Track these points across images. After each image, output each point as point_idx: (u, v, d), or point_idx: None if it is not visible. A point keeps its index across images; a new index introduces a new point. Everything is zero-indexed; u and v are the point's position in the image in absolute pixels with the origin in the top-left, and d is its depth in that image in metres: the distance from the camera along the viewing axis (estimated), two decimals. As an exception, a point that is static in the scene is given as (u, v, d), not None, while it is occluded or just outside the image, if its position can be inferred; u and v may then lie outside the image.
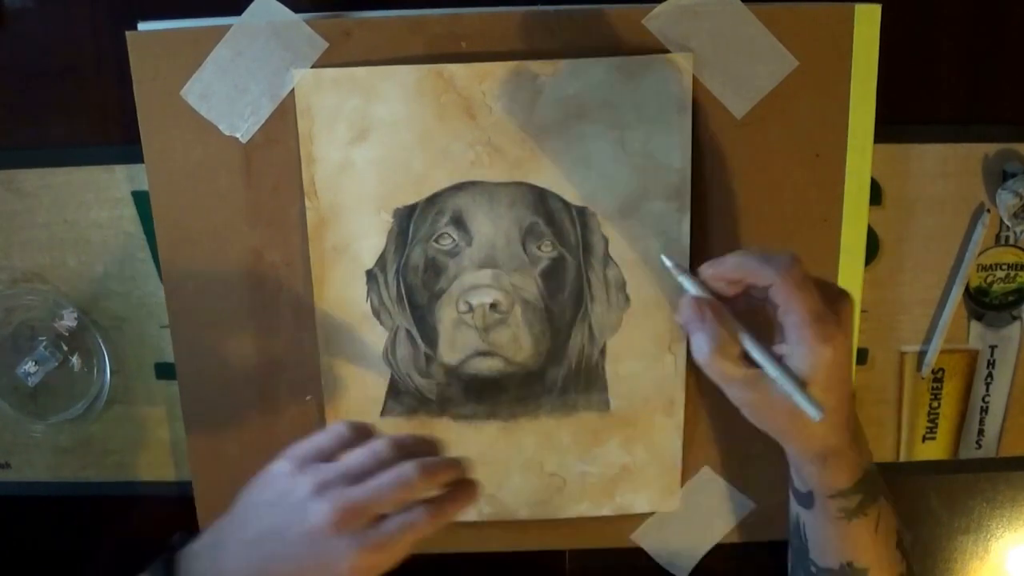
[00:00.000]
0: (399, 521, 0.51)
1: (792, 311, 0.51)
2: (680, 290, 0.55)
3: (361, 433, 0.55)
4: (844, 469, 0.57)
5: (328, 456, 0.54)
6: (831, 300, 0.52)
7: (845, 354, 0.52)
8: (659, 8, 0.62)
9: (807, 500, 0.60)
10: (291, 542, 0.51)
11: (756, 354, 0.52)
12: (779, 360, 0.52)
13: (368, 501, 0.50)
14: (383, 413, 0.68)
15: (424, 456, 0.53)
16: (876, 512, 0.59)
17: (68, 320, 0.70)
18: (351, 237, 0.65)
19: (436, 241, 0.65)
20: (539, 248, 0.65)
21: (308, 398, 0.69)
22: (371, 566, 0.51)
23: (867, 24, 0.63)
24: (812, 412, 0.50)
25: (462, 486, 0.54)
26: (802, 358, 0.51)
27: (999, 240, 0.71)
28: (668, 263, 0.56)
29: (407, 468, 0.51)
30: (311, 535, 0.50)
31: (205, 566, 0.54)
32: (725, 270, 0.53)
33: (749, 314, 0.54)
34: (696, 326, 0.53)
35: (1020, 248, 0.71)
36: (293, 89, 0.63)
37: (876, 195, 0.68)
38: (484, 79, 0.62)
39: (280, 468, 0.54)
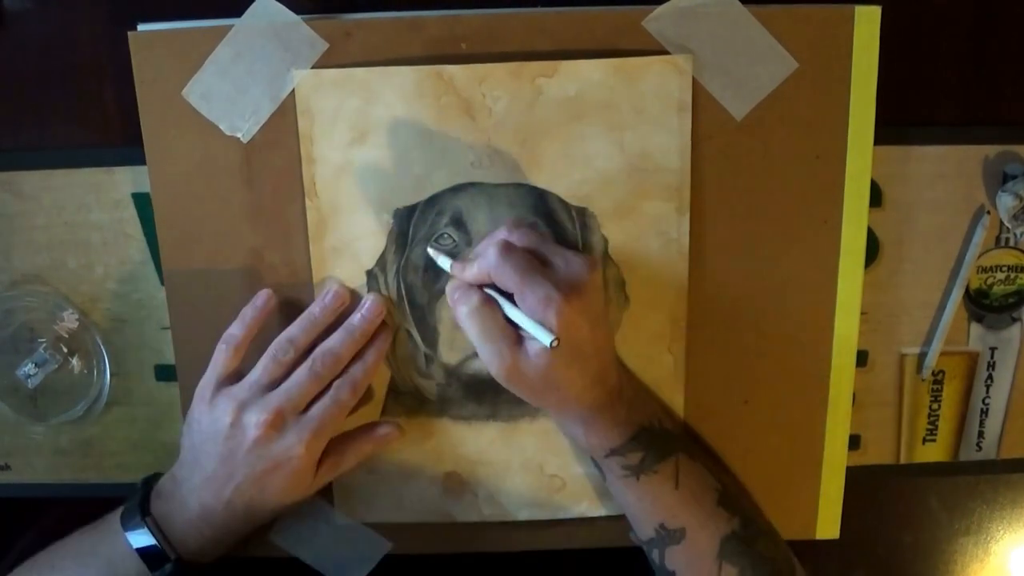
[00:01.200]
0: (322, 401, 0.61)
1: (515, 295, 0.56)
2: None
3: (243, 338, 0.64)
4: (610, 427, 0.60)
5: (232, 379, 0.62)
6: (568, 271, 0.56)
7: (584, 321, 0.56)
8: (659, 10, 0.62)
9: (599, 469, 0.62)
10: (242, 461, 0.60)
11: (500, 299, 0.57)
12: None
13: (286, 399, 0.60)
14: (383, 414, 0.68)
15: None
16: (671, 468, 0.60)
17: (68, 322, 0.71)
18: (351, 237, 0.65)
19: (436, 242, 0.65)
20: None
21: (308, 399, 0.69)
22: (317, 450, 0.61)
23: (867, 26, 0.63)
24: (544, 338, 0.53)
25: (374, 340, 0.64)
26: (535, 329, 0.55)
27: (999, 242, 0.71)
28: (431, 251, 0.64)
29: (310, 362, 0.61)
30: (255, 446, 0.59)
31: (174, 507, 0.61)
32: (469, 276, 0.59)
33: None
34: (460, 293, 0.58)
35: (1020, 250, 0.71)
36: (293, 90, 0.63)
37: (876, 197, 0.68)
38: (484, 80, 0.63)
39: (199, 406, 0.62)
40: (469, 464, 0.69)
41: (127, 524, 0.61)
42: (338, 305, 0.64)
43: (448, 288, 0.61)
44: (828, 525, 0.72)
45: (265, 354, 0.62)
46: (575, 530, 0.72)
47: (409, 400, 0.68)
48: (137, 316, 0.71)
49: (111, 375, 0.72)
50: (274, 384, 0.61)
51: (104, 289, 0.71)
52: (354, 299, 0.65)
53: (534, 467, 0.69)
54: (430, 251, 0.64)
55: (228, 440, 0.60)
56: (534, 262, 0.57)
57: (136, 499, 0.62)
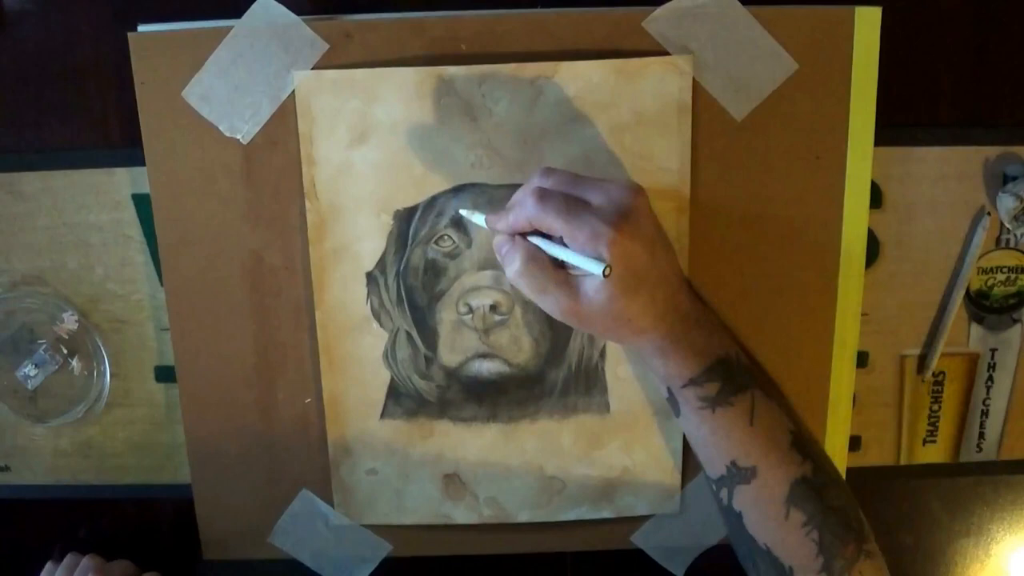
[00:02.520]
0: None
1: (563, 237, 0.54)
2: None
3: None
4: (688, 356, 0.58)
5: None
6: (611, 202, 0.54)
7: (639, 247, 0.54)
8: (659, 10, 0.62)
9: (674, 404, 0.60)
10: None
11: (542, 242, 0.55)
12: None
13: None
14: (383, 415, 0.68)
15: None
16: (747, 403, 0.59)
17: (68, 323, 0.70)
18: (351, 239, 0.65)
19: (436, 243, 0.65)
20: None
21: (308, 401, 0.69)
22: None
23: (867, 27, 0.63)
24: (595, 269, 0.52)
25: None
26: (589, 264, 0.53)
27: (999, 243, 0.71)
28: (464, 213, 0.62)
29: None
30: None
31: None
32: (507, 227, 0.57)
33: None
34: (507, 248, 0.56)
35: (1020, 251, 0.71)
36: (293, 91, 0.63)
37: (876, 198, 0.68)
38: (484, 81, 0.63)
39: None
40: (469, 466, 0.69)
41: None
42: None
43: (495, 244, 0.58)
44: (828, 526, 0.71)
45: None
46: (575, 532, 0.71)
47: (409, 402, 0.68)
48: (137, 317, 0.71)
49: (111, 376, 0.72)
50: None
51: (104, 290, 0.71)
52: None
53: (534, 469, 0.69)
54: (463, 212, 0.62)
55: None
56: (574, 202, 0.54)
57: None
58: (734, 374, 0.59)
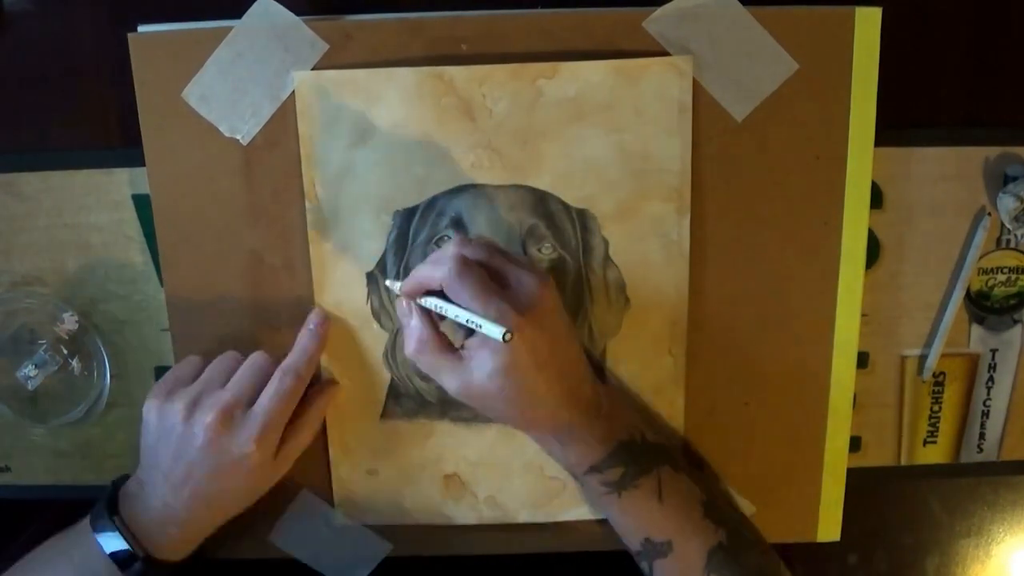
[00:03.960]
0: (266, 393, 0.61)
1: (467, 306, 0.55)
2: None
3: (206, 359, 0.64)
4: (588, 444, 0.59)
5: (185, 381, 0.62)
6: (522, 290, 0.56)
7: (543, 339, 0.55)
8: (659, 11, 0.62)
9: (580, 486, 0.62)
10: (198, 462, 0.59)
11: (446, 306, 0.56)
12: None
13: (233, 396, 0.60)
14: (383, 416, 0.68)
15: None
16: (653, 483, 0.60)
17: (68, 323, 0.70)
18: (351, 239, 0.65)
19: (436, 243, 0.65)
20: (539, 250, 0.65)
21: (308, 401, 0.69)
22: (270, 444, 0.61)
23: (868, 27, 0.63)
24: (496, 333, 0.52)
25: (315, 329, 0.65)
26: (491, 347, 0.54)
27: (1000, 244, 0.70)
28: (388, 283, 0.64)
29: (253, 358, 0.62)
30: (208, 447, 0.59)
31: (139, 507, 0.62)
32: (410, 288, 0.58)
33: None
34: (405, 321, 0.59)
35: (1021, 252, 0.71)
36: (293, 91, 0.63)
37: (877, 198, 0.68)
38: (484, 81, 0.62)
39: (150, 407, 0.62)
40: (469, 466, 0.69)
41: (96, 525, 0.61)
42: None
43: (397, 308, 0.61)
44: (829, 527, 0.71)
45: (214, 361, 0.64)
46: (575, 533, 0.71)
47: (409, 402, 0.68)
48: (137, 318, 0.71)
49: (111, 377, 0.72)
50: (224, 382, 0.62)
51: (104, 291, 0.71)
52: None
53: (534, 469, 0.69)
54: (387, 283, 0.64)
55: (181, 441, 0.60)
56: (489, 281, 0.56)
57: (104, 501, 0.62)
58: (638, 456, 0.60)
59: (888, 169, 0.68)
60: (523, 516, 0.70)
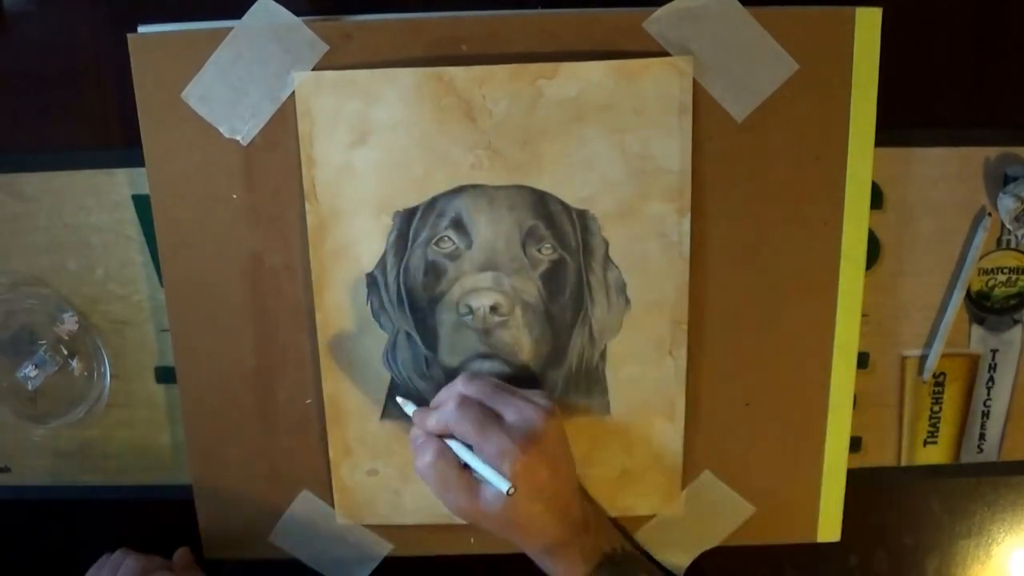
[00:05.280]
0: None
1: (473, 447, 0.58)
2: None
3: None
4: (576, 557, 0.62)
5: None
6: (523, 421, 0.58)
7: (542, 467, 0.58)
8: (659, 11, 0.62)
9: None
10: None
11: (456, 446, 0.59)
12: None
13: None
14: (383, 416, 0.68)
15: None
16: None
17: (68, 324, 0.70)
18: (351, 240, 0.65)
19: (436, 244, 0.65)
20: (539, 251, 0.65)
21: (308, 401, 0.69)
22: None
23: (868, 27, 0.63)
24: (502, 486, 0.56)
25: None
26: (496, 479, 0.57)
27: (1000, 244, 0.70)
28: (400, 401, 0.65)
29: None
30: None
31: None
32: (428, 427, 0.61)
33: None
34: (420, 441, 0.61)
35: (1021, 252, 0.71)
36: (293, 92, 0.63)
37: (877, 199, 0.68)
38: (484, 82, 0.62)
39: None
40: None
41: None
42: None
43: (410, 436, 0.62)
44: (829, 527, 0.72)
45: None
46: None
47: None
48: (137, 318, 0.71)
49: (111, 377, 0.72)
50: None
51: (104, 291, 0.71)
52: None
53: (534, 469, 0.69)
54: (399, 400, 0.66)
55: None
56: (489, 416, 0.59)
57: None
58: (619, 568, 0.64)
59: (888, 169, 0.68)
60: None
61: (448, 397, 0.61)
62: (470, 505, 0.58)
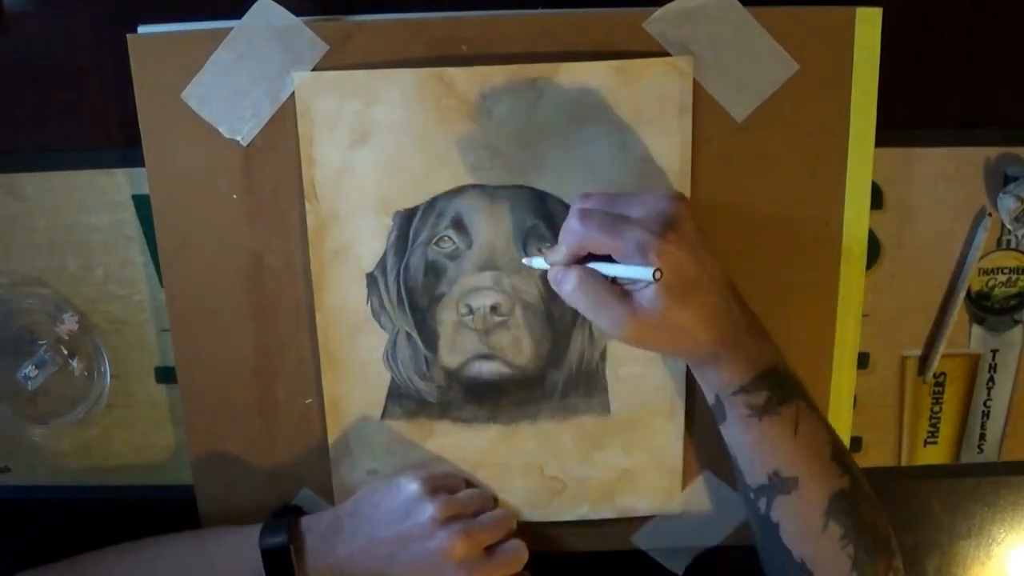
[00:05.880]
0: (503, 556, 0.65)
1: (611, 252, 0.55)
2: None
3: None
4: (740, 363, 0.58)
5: (450, 490, 0.66)
6: (652, 212, 0.55)
7: (686, 252, 0.54)
8: (659, 11, 0.62)
9: (720, 411, 0.60)
10: (414, 553, 0.62)
11: (596, 265, 0.56)
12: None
13: (485, 538, 0.64)
14: (383, 416, 0.68)
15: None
16: (792, 414, 0.59)
17: (68, 324, 0.70)
18: (351, 240, 0.65)
19: (436, 244, 0.65)
20: (540, 250, 0.65)
21: (308, 401, 0.69)
22: None
23: (868, 27, 0.63)
24: (645, 274, 0.52)
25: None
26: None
27: (1000, 244, 0.70)
28: (525, 261, 0.64)
29: (505, 513, 0.68)
30: (433, 556, 0.62)
31: (322, 544, 0.64)
32: (557, 256, 0.58)
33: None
34: (560, 273, 0.57)
35: (1021, 252, 0.71)
36: (293, 92, 0.63)
37: (877, 199, 0.68)
38: (484, 82, 0.62)
39: (412, 486, 0.65)
40: (469, 466, 0.69)
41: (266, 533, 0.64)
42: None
43: (549, 276, 0.59)
44: (829, 527, 0.71)
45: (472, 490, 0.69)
46: (575, 532, 0.72)
47: (409, 402, 0.68)
48: (137, 318, 0.71)
49: (111, 377, 0.72)
50: (475, 513, 0.66)
51: (104, 291, 0.71)
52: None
53: (535, 469, 0.69)
54: (524, 262, 0.64)
55: (418, 531, 0.63)
56: (615, 217, 0.55)
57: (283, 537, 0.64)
58: (781, 384, 0.59)
59: (888, 169, 0.68)
60: (523, 516, 0.70)
61: (568, 218, 0.56)
62: (627, 316, 0.54)
